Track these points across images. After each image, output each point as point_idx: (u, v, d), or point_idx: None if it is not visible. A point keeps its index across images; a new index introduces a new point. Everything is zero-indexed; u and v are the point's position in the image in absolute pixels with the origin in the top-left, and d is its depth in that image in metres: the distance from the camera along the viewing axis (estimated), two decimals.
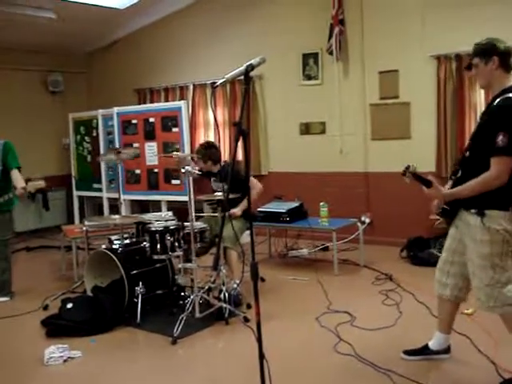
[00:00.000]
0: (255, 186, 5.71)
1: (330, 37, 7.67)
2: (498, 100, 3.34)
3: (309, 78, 8.28)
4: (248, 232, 3.03)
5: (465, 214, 3.48)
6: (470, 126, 7.00)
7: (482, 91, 6.86)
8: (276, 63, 8.20)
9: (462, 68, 6.93)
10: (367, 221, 7.29)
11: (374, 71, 7.59)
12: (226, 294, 5.01)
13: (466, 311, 4.78)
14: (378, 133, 7.69)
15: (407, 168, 3.51)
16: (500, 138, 3.19)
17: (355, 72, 7.83)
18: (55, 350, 4.31)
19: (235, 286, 5.28)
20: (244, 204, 5.52)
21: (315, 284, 5.98)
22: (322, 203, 6.75)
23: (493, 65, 3.39)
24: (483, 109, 6.77)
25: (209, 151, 5.83)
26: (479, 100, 6.94)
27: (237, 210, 5.55)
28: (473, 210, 3.39)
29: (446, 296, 3.76)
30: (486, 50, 3.43)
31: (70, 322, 4.82)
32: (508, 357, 3.90)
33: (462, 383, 3.64)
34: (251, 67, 2.81)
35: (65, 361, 4.28)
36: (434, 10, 7.17)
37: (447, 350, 3.92)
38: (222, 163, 5.96)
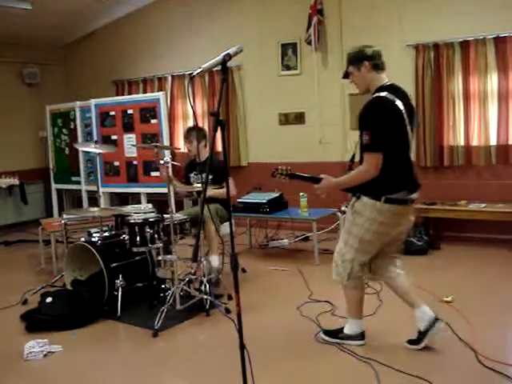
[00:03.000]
0: (232, 186, 5.71)
1: (309, 27, 7.67)
2: (367, 100, 3.66)
3: (288, 68, 8.27)
4: (227, 223, 3.02)
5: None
6: (449, 114, 7.05)
7: (460, 78, 6.93)
8: (255, 53, 8.19)
9: (440, 56, 6.99)
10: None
11: None
12: (207, 286, 5.00)
13: (445, 299, 4.83)
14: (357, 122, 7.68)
15: (276, 170, 4.06)
16: (364, 137, 3.55)
17: (334, 62, 7.83)
18: (35, 345, 4.28)
19: (215, 268, 5.32)
20: (217, 191, 5.47)
21: (296, 274, 5.99)
22: (301, 193, 6.75)
23: (365, 69, 3.70)
24: (461, 97, 6.91)
25: (201, 132, 5.93)
26: (457, 88, 6.98)
27: (211, 192, 5.42)
28: (354, 194, 3.75)
29: None
30: (356, 57, 3.75)
31: (50, 317, 4.79)
32: (487, 343, 3.94)
33: (442, 370, 3.66)
34: (228, 56, 2.80)
35: (45, 355, 4.24)
36: (412, 1, 7.19)
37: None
38: (207, 154, 5.94)
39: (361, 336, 4.03)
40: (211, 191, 5.42)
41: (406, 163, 3.72)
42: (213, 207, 5.40)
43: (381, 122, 3.53)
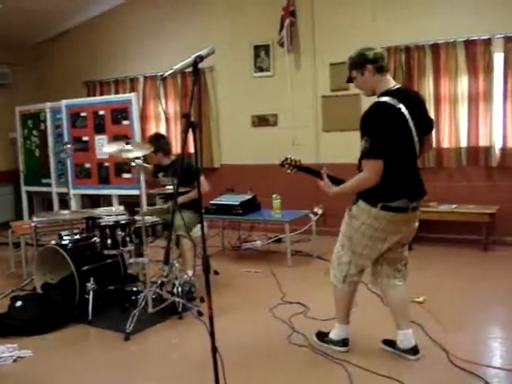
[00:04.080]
0: (203, 184, 5.67)
1: (281, 28, 7.68)
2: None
3: (260, 69, 8.28)
4: (199, 226, 3.00)
5: None
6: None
7: (431, 81, 7.01)
8: (227, 55, 8.18)
9: (411, 59, 7.06)
10: (320, 212, 7.35)
11: (326, 63, 7.63)
12: (179, 288, 4.97)
13: (417, 299, 4.86)
14: (330, 124, 7.75)
15: (285, 159, 3.94)
16: (363, 143, 3.45)
17: (306, 64, 7.86)
18: (4, 350, 4.23)
19: (188, 278, 5.25)
20: (188, 196, 5.44)
21: (269, 276, 5.99)
22: (274, 195, 6.75)
23: (369, 73, 3.58)
24: (432, 99, 6.97)
25: (158, 142, 5.77)
26: (428, 91, 7.05)
27: (181, 199, 5.39)
28: (353, 198, 3.68)
29: None
30: (359, 62, 3.63)
31: (20, 321, 4.70)
32: (459, 344, 3.98)
33: (414, 371, 3.69)
34: (200, 58, 2.78)
35: (15, 360, 4.18)
36: (383, 2, 7.26)
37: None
38: (173, 157, 5.91)
39: (342, 342, 3.96)
40: (182, 199, 5.39)
41: (409, 170, 3.61)
42: (186, 217, 5.28)
43: (381, 127, 3.41)
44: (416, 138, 3.52)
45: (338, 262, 3.83)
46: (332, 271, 3.90)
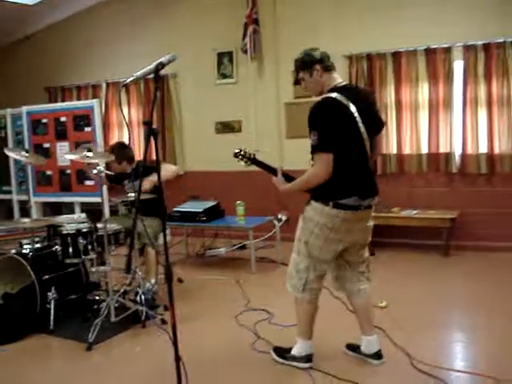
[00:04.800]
0: (169, 167, 5.66)
1: (245, 36, 7.70)
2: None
3: (224, 76, 8.29)
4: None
5: None
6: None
7: (393, 88, 7.11)
8: (191, 61, 8.17)
9: (373, 67, 7.15)
10: (284, 218, 7.37)
11: (289, 70, 7.65)
12: (143, 297, 4.92)
13: (379, 304, 4.91)
14: (293, 131, 7.79)
15: (239, 151, 3.93)
16: (311, 137, 3.43)
17: (270, 71, 7.90)
18: None
19: (150, 286, 5.21)
20: (153, 178, 5.01)
21: (233, 283, 5.98)
22: (238, 202, 6.75)
23: (317, 73, 3.59)
24: (393, 106, 7.06)
25: (122, 151, 5.71)
26: (389, 98, 7.15)
27: (146, 182, 5.05)
28: (307, 200, 3.64)
29: None
30: (306, 62, 3.63)
31: None
32: (421, 348, 4.03)
33: (378, 375, 3.71)
34: (161, 65, 2.78)
35: None
36: (345, 10, 7.34)
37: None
38: (135, 163, 5.85)
39: (306, 358, 3.84)
40: (144, 184, 4.95)
41: (360, 169, 3.54)
42: (150, 226, 5.24)
43: (328, 121, 3.39)
44: (365, 137, 3.49)
45: (295, 269, 3.73)
46: (290, 281, 3.78)
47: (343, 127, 3.43)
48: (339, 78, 3.64)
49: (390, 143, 7.24)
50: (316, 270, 3.69)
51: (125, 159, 5.71)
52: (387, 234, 7.11)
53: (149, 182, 5.04)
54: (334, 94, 3.45)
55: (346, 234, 3.60)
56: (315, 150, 3.41)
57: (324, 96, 3.50)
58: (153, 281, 5.37)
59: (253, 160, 3.90)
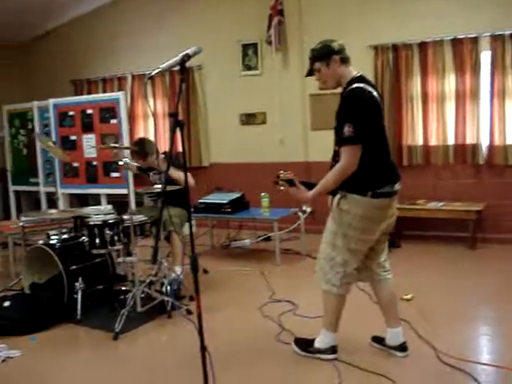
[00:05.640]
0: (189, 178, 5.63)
1: (269, 27, 7.69)
2: (345, 92, 3.53)
3: (249, 68, 8.28)
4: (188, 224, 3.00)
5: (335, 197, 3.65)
6: (407, 115, 7.17)
7: (419, 79, 7.03)
8: (216, 53, 8.18)
9: (399, 57, 7.09)
10: (308, 210, 7.35)
11: None
12: (168, 287, 4.96)
13: (405, 297, 4.89)
14: (318, 123, 7.76)
15: (277, 177, 3.67)
16: (346, 129, 3.37)
17: (294, 62, 7.87)
18: None
19: (176, 276, 5.25)
20: (178, 173, 5.08)
21: (258, 274, 6.00)
22: (263, 194, 6.76)
23: (335, 64, 3.57)
24: (420, 97, 7.01)
25: (147, 146, 5.73)
26: (416, 89, 7.09)
27: (176, 172, 5.10)
28: (338, 193, 3.57)
29: None
30: (324, 53, 3.60)
31: (8, 321, 4.67)
32: (446, 341, 4.01)
33: (402, 367, 3.70)
34: (187, 57, 2.79)
35: (3, 361, 4.15)
36: (372, 0, 7.27)
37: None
38: (162, 155, 5.87)
39: (331, 350, 3.83)
40: (173, 173, 5.07)
41: (387, 155, 3.58)
42: (175, 214, 5.30)
43: (363, 113, 3.39)
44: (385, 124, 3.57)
45: (330, 264, 3.68)
46: (324, 276, 3.72)
47: (376, 117, 3.48)
48: (354, 70, 3.63)
49: (416, 135, 7.17)
50: (353, 263, 3.67)
51: (150, 154, 5.72)
52: (413, 226, 7.07)
53: (177, 173, 5.10)
54: (361, 84, 3.46)
55: (381, 222, 3.61)
56: (348, 141, 3.39)
57: (354, 87, 3.47)
58: (178, 270, 5.41)
59: (290, 181, 3.73)
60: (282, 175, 3.65)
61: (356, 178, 3.43)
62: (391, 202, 3.61)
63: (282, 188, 3.65)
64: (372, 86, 3.56)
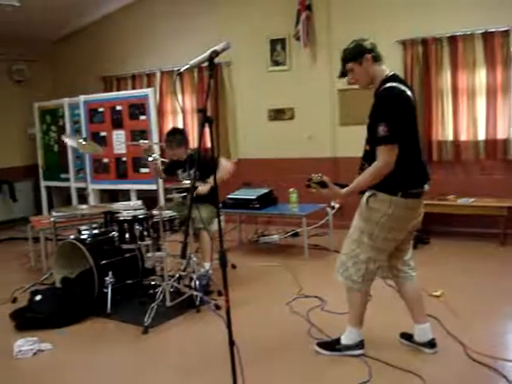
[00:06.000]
0: (225, 166, 5.65)
1: (298, 22, 7.67)
2: (379, 91, 3.50)
3: (277, 63, 8.27)
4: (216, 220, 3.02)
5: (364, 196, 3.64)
6: (437, 110, 7.09)
7: (449, 73, 6.95)
8: (244, 49, 8.18)
9: (428, 52, 7.02)
10: (337, 206, 7.34)
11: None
12: (197, 282, 5.00)
13: (434, 293, 4.85)
14: (346, 118, 7.73)
15: (309, 180, 3.63)
16: (381, 128, 3.35)
17: (323, 57, 7.84)
18: (24, 343, 4.26)
19: (205, 271, 5.28)
20: (211, 182, 5.32)
21: (286, 270, 6.00)
22: (291, 189, 6.76)
23: (367, 62, 3.55)
24: (450, 92, 6.93)
25: (177, 137, 5.77)
26: (445, 84, 7.01)
27: (203, 187, 5.33)
28: (368, 191, 3.56)
29: None
30: (356, 52, 3.58)
31: (40, 314, 4.76)
32: (475, 338, 3.97)
33: (431, 364, 3.68)
34: (215, 53, 2.80)
35: (34, 354, 4.22)
36: None
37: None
38: (190, 151, 5.89)
39: (359, 345, 3.84)
40: (202, 189, 5.33)
41: (419, 155, 3.57)
42: (204, 212, 5.35)
43: (397, 112, 3.38)
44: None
45: (353, 261, 3.68)
46: (345, 272, 3.73)
47: (410, 116, 3.47)
48: (387, 69, 3.61)
49: (446, 130, 7.09)
50: (377, 261, 3.67)
51: (179, 145, 5.75)
52: (443, 222, 7.01)
53: (205, 188, 5.31)
54: (394, 84, 3.45)
55: (409, 221, 3.61)
56: (383, 141, 3.37)
57: (388, 86, 3.45)
58: (207, 266, 5.44)
59: (321, 183, 3.72)
60: (313, 178, 3.63)
61: (387, 176, 3.42)
62: (420, 203, 3.61)
63: (313, 190, 3.64)
64: (405, 84, 3.55)
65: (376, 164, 3.41)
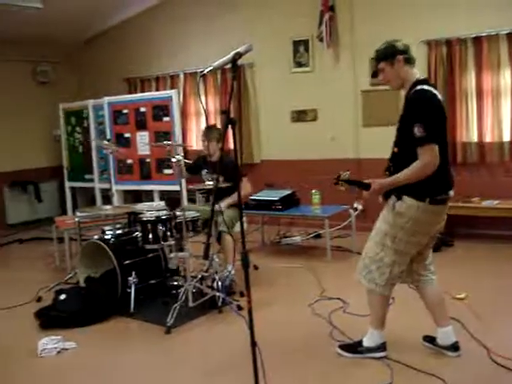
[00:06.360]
0: (245, 185, 5.70)
1: (320, 23, 7.65)
2: (410, 93, 3.49)
3: (299, 65, 8.26)
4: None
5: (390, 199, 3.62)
6: (461, 111, 7.02)
7: (473, 74, 6.89)
8: (267, 51, 8.18)
9: (453, 53, 6.96)
10: (359, 207, 7.30)
11: (365, 57, 7.55)
12: (219, 283, 5.02)
13: (457, 296, 4.82)
14: (370, 119, 7.70)
15: (338, 177, 3.68)
16: (416, 129, 3.34)
17: (346, 58, 7.82)
18: (48, 342, 4.32)
19: (228, 273, 5.29)
20: (233, 198, 5.47)
21: (308, 271, 6.00)
22: (313, 191, 6.75)
23: (399, 64, 3.55)
24: (474, 93, 6.86)
25: (215, 131, 5.85)
26: (470, 85, 6.94)
27: (223, 205, 5.41)
28: (394, 195, 3.54)
29: None
30: (388, 53, 3.59)
31: (64, 313, 4.82)
32: (499, 341, 3.93)
33: (455, 368, 3.65)
34: (238, 55, 2.81)
35: (58, 352, 4.28)
36: None
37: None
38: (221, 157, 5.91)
39: (382, 347, 3.83)
40: (227, 201, 5.48)
41: (447, 161, 3.55)
42: (227, 214, 5.36)
43: (432, 114, 3.38)
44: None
45: (377, 264, 3.67)
46: (367, 275, 3.72)
47: (441, 119, 3.47)
48: (418, 72, 3.61)
49: (470, 131, 7.02)
50: (401, 265, 3.66)
51: (213, 139, 5.82)
52: (467, 224, 6.94)
53: (227, 203, 5.45)
54: (426, 87, 3.45)
55: (433, 226, 3.61)
56: (421, 142, 3.35)
57: (420, 89, 3.45)
58: (230, 267, 5.46)
59: (348, 181, 3.74)
60: (342, 175, 3.66)
61: (415, 181, 3.42)
62: (445, 208, 3.60)
63: (342, 188, 3.67)
64: (436, 89, 3.54)
65: (418, 162, 3.40)
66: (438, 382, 3.43)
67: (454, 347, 3.77)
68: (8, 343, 4.58)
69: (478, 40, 6.81)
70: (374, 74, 3.73)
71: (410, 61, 3.57)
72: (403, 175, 3.46)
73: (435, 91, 3.48)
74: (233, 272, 5.36)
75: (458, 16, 6.92)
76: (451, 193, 3.57)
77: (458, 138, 7.09)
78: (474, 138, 7.02)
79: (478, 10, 6.78)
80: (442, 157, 3.44)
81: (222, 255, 5.64)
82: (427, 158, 3.36)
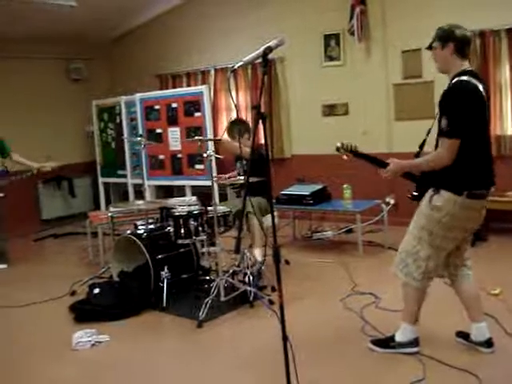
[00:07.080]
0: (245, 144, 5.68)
1: (352, 17, 7.59)
2: (449, 84, 3.46)
3: (331, 59, 8.21)
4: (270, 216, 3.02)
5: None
6: (495, 103, 6.90)
7: (507, 66, 6.77)
8: (297, 45, 8.16)
9: (486, 44, 6.85)
10: (391, 202, 7.23)
11: (397, 50, 7.49)
12: (251, 278, 5.03)
13: (492, 292, 4.75)
14: (402, 113, 7.62)
15: (341, 145, 3.84)
16: (443, 122, 3.35)
17: (377, 52, 7.75)
18: (83, 335, 4.38)
19: (258, 265, 5.30)
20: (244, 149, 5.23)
21: (340, 266, 5.98)
22: (345, 185, 6.73)
23: (448, 50, 3.50)
24: (508, 86, 6.75)
25: (242, 126, 5.90)
26: (504, 77, 6.83)
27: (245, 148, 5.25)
28: (432, 189, 3.52)
29: None
30: (444, 36, 3.54)
31: (98, 307, 4.89)
32: None
33: (489, 364, 3.61)
34: (269, 49, 2.80)
35: (93, 345, 4.34)
36: None
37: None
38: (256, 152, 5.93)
39: (415, 342, 3.80)
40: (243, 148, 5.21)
41: (488, 154, 3.52)
42: (255, 201, 5.40)
43: (462, 107, 3.34)
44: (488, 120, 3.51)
45: (413, 258, 3.63)
46: (404, 269, 3.69)
47: (477, 112, 3.40)
48: (468, 65, 3.55)
49: (505, 124, 6.91)
50: (436, 259, 3.63)
51: (246, 132, 5.86)
52: (501, 219, 6.83)
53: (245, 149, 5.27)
54: (465, 77, 3.40)
55: (471, 221, 3.57)
56: (444, 135, 3.36)
57: (457, 80, 3.42)
58: (257, 252, 5.46)
59: (354, 153, 3.78)
60: (345, 143, 3.82)
61: (453, 175, 3.39)
62: (484, 204, 3.55)
63: (344, 157, 3.80)
64: (480, 80, 3.48)
65: (436, 152, 3.43)
66: (471, 379, 3.39)
67: (488, 343, 3.72)
68: (43, 336, 4.66)
69: (511, 32, 6.68)
70: (430, 47, 3.67)
71: (461, 52, 3.51)
72: (420, 160, 3.55)
73: (476, 82, 3.41)
74: (259, 259, 5.36)
75: (492, 7, 6.80)
76: (492, 188, 3.52)
77: (492, 130, 6.96)
78: (509, 131, 6.91)
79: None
80: (481, 149, 3.41)
81: (250, 239, 5.65)
82: (443, 152, 3.37)
